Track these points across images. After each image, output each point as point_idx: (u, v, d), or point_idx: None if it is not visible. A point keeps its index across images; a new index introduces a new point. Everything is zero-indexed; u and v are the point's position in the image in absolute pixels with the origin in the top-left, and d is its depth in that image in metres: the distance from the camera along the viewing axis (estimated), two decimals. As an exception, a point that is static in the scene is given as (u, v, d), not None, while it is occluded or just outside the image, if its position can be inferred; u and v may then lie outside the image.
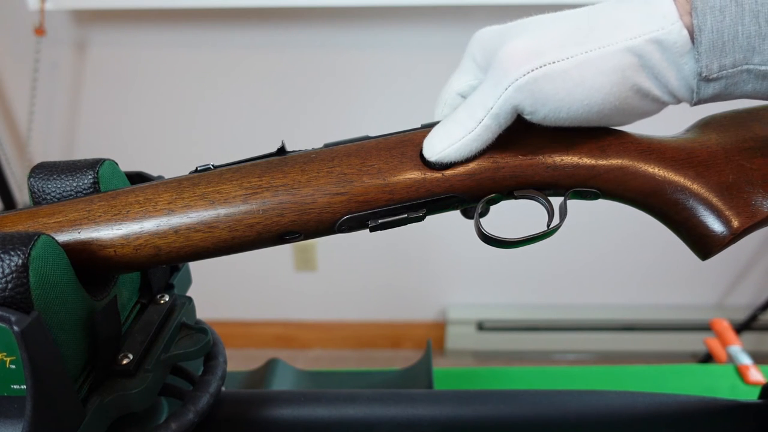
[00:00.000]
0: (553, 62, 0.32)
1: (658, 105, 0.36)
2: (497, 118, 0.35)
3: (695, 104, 0.34)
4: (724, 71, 0.31)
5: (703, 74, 0.32)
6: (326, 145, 0.39)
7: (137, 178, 0.44)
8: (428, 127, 0.39)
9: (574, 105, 0.33)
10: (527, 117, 0.35)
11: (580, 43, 0.33)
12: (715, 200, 0.36)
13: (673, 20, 0.32)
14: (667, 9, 0.32)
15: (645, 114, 0.36)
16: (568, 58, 0.32)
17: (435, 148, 0.37)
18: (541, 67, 0.32)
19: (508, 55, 0.33)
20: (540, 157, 0.37)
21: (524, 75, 0.33)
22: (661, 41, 0.32)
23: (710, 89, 0.33)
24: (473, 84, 0.38)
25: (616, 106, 0.34)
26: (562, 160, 0.37)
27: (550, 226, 0.38)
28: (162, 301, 0.44)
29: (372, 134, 0.40)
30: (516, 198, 0.39)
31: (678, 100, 0.35)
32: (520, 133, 0.36)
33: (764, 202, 0.36)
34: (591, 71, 0.33)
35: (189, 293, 0.49)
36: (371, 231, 0.38)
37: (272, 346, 1.91)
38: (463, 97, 0.39)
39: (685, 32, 0.31)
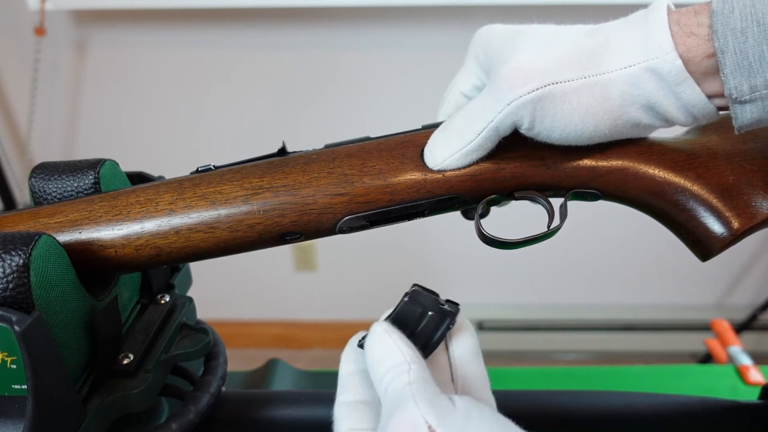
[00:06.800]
0: (556, 83, 0.32)
1: (649, 130, 0.36)
2: (497, 131, 0.35)
3: (738, 131, 0.33)
4: (757, 92, 0.31)
5: (734, 96, 0.31)
6: (327, 146, 0.39)
7: (138, 178, 0.44)
8: (429, 128, 0.39)
9: (567, 128, 0.34)
10: (522, 131, 0.35)
11: (582, 66, 0.33)
12: (715, 201, 0.36)
13: (667, 50, 0.31)
14: (662, 38, 0.32)
15: (634, 137, 0.37)
16: (569, 81, 0.33)
17: (436, 159, 0.37)
18: (545, 86, 0.32)
19: (513, 70, 0.33)
20: (540, 158, 0.37)
21: (528, 93, 0.33)
22: (655, 70, 0.32)
23: (748, 113, 0.32)
24: (477, 84, 0.39)
25: (605, 134, 0.34)
26: (563, 161, 0.37)
27: (551, 227, 0.38)
28: (162, 302, 0.44)
29: (373, 135, 0.40)
30: (516, 199, 0.39)
31: (672, 125, 0.35)
32: (521, 135, 0.36)
33: (764, 203, 0.36)
34: (587, 98, 0.33)
35: (189, 293, 0.49)
36: (372, 227, 0.38)
37: (272, 346, 1.91)
38: (467, 96, 0.39)
39: (679, 62, 0.31)
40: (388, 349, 0.29)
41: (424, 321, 0.31)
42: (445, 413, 0.25)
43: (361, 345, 0.32)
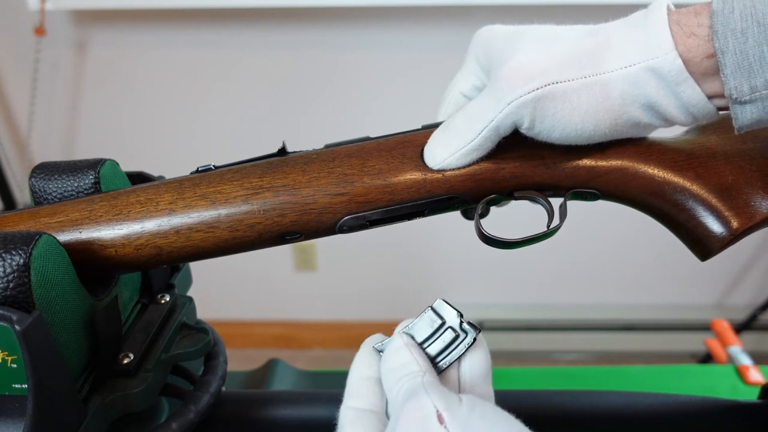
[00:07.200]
0: (556, 82, 0.33)
1: (649, 130, 0.36)
2: (497, 130, 0.35)
3: (738, 131, 0.33)
4: (757, 93, 0.31)
5: (734, 96, 0.31)
6: (327, 146, 0.40)
7: (138, 178, 0.44)
8: (429, 128, 0.39)
9: (567, 127, 0.34)
10: (522, 131, 0.35)
11: (582, 66, 0.33)
12: (714, 201, 0.36)
13: (667, 50, 0.31)
14: (662, 38, 0.32)
15: (633, 137, 0.37)
16: (570, 80, 0.33)
17: (436, 158, 0.37)
18: (545, 86, 0.33)
19: (513, 70, 0.33)
20: (540, 158, 0.37)
21: (529, 93, 0.33)
22: (655, 70, 0.32)
23: (748, 113, 0.32)
24: (477, 84, 0.39)
25: (605, 133, 0.34)
26: (562, 161, 0.37)
27: (550, 227, 0.38)
28: (163, 301, 0.44)
29: (373, 135, 0.40)
30: (516, 199, 0.39)
31: (672, 124, 0.35)
32: (520, 135, 0.36)
33: (763, 203, 0.36)
34: (587, 97, 0.33)
35: (189, 293, 0.49)
36: (372, 227, 0.39)
37: (272, 346, 1.91)
38: (467, 96, 0.39)
39: (679, 62, 0.31)
40: (406, 360, 0.30)
41: (441, 335, 0.32)
42: (453, 404, 0.27)
43: (380, 350, 0.33)
